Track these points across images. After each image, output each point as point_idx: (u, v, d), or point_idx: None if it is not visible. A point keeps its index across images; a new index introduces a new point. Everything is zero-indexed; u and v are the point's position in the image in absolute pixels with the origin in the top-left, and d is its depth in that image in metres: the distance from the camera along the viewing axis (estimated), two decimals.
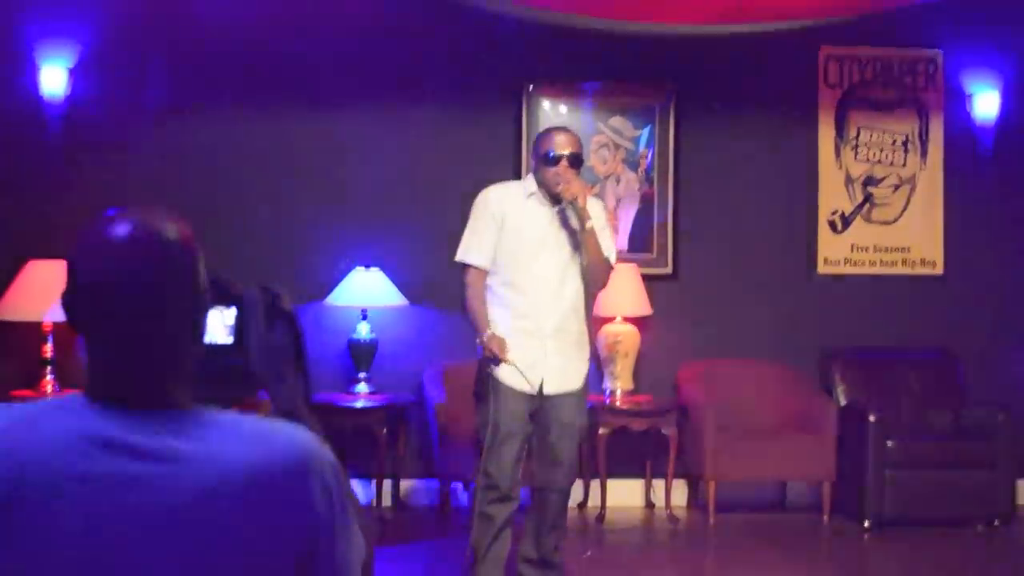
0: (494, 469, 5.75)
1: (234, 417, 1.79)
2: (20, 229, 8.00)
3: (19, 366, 7.98)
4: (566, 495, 5.99)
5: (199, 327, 1.84)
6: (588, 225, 5.74)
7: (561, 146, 5.82)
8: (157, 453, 1.71)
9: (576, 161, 5.83)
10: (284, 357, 2.04)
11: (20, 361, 7.99)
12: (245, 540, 1.71)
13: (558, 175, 5.77)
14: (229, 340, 2.00)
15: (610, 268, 5.95)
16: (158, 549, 1.67)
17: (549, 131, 6.00)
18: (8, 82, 8.34)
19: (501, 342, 5.76)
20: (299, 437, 1.81)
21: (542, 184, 5.86)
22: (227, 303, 2.01)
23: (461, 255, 5.95)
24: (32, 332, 7.78)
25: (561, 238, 5.86)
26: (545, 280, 5.82)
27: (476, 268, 5.89)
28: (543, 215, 5.87)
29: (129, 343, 1.77)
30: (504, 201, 5.91)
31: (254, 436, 1.77)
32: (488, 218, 5.88)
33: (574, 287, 5.88)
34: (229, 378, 1.92)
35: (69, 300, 1.80)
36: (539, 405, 5.83)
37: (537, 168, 5.89)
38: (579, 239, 5.82)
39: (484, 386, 5.86)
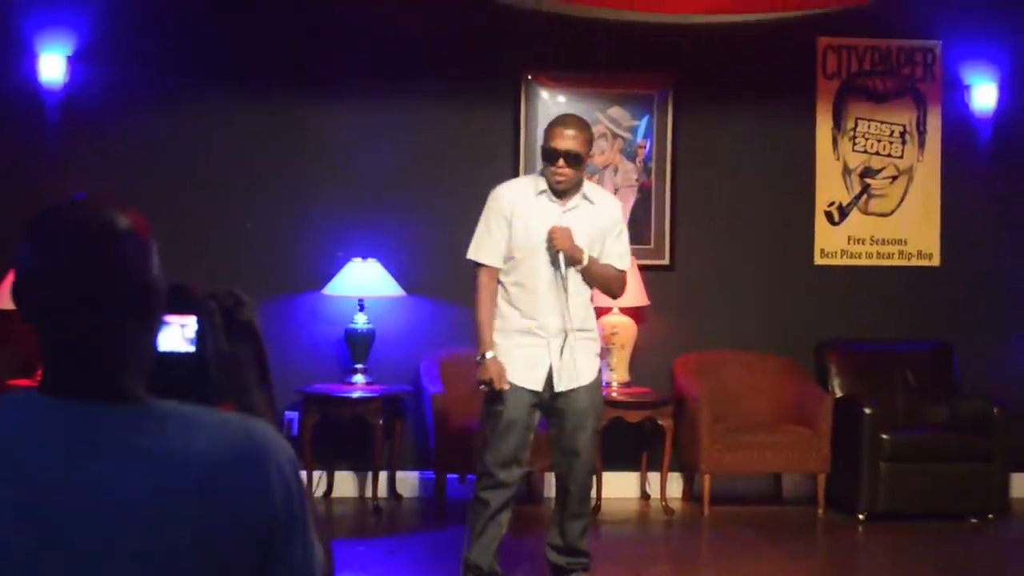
0: (491, 457, 5.83)
1: (191, 410, 1.76)
2: (17, 217, 7.97)
3: (15, 356, 7.99)
4: (585, 487, 6.05)
5: (151, 320, 1.80)
6: (585, 261, 5.76)
7: (559, 141, 5.73)
8: (112, 447, 1.69)
9: (574, 160, 5.74)
10: (244, 368, 2.02)
11: (16, 351, 8.00)
12: (204, 535, 1.68)
13: (555, 173, 5.76)
14: (190, 349, 1.97)
15: (621, 277, 5.98)
16: (115, 544, 1.65)
17: (554, 123, 5.88)
18: (7, 70, 8.33)
19: (500, 371, 5.79)
20: (258, 429, 1.78)
21: (547, 179, 5.83)
22: (187, 310, 1.98)
23: (472, 253, 5.92)
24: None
25: None
26: (549, 280, 5.80)
27: (487, 267, 5.87)
28: (551, 213, 5.81)
29: (76, 336, 1.73)
30: (513, 199, 5.86)
31: (212, 428, 1.74)
32: (498, 216, 5.83)
33: (581, 288, 5.87)
34: (190, 389, 1.90)
35: (18, 290, 1.76)
36: (550, 401, 5.89)
37: (543, 161, 5.87)
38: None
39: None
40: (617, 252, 5.91)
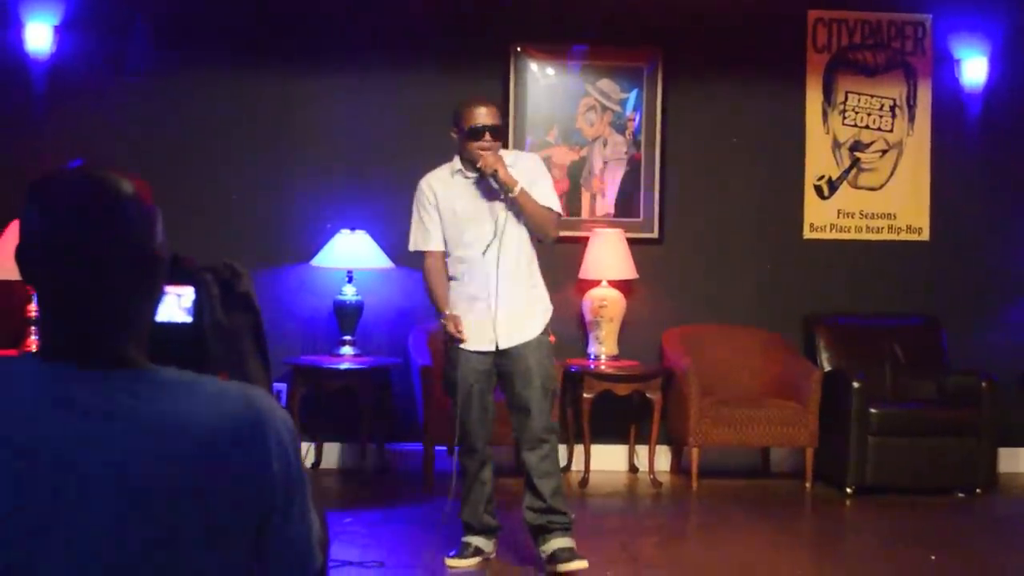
0: (461, 425, 6.20)
1: (190, 376, 1.77)
2: (3, 187, 7.93)
3: (3, 325, 7.96)
4: (545, 444, 6.15)
5: (154, 286, 1.82)
6: (517, 190, 6.00)
7: (482, 118, 6.04)
8: (112, 412, 1.69)
9: (497, 131, 6.08)
10: (241, 340, 2.02)
11: (4, 320, 7.97)
12: (202, 501, 1.69)
13: (481, 148, 6.01)
14: (187, 319, 1.97)
15: (556, 216, 6.22)
16: (114, 510, 1.66)
17: (468, 105, 6.14)
18: None
19: (456, 320, 6.12)
20: (258, 398, 1.79)
21: (466, 158, 6.11)
22: (184, 281, 1.98)
23: (412, 245, 6.32)
24: (17, 291, 7.75)
25: (487, 207, 6.11)
26: (479, 248, 6.10)
27: (431, 252, 6.22)
28: (468, 189, 6.15)
29: (79, 300, 1.74)
30: (434, 184, 6.23)
31: (210, 394, 1.75)
32: (425, 204, 6.21)
33: (512, 249, 6.10)
34: (186, 359, 1.90)
35: (21, 254, 1.77)
36: (500, 362, 6.16)
37: (460, 143, 6.12)
38: (511, 204, 6.06)
39: (448, 353, 6.27)
40: (540, 192, 6.11)
